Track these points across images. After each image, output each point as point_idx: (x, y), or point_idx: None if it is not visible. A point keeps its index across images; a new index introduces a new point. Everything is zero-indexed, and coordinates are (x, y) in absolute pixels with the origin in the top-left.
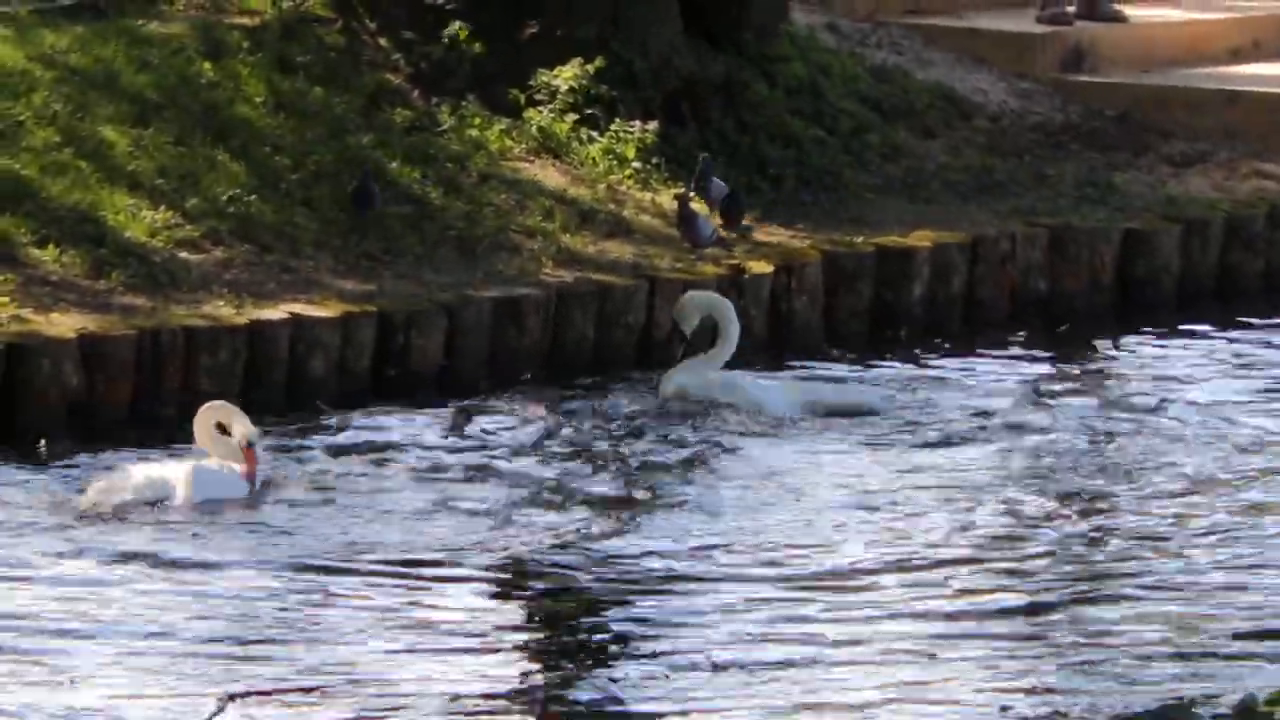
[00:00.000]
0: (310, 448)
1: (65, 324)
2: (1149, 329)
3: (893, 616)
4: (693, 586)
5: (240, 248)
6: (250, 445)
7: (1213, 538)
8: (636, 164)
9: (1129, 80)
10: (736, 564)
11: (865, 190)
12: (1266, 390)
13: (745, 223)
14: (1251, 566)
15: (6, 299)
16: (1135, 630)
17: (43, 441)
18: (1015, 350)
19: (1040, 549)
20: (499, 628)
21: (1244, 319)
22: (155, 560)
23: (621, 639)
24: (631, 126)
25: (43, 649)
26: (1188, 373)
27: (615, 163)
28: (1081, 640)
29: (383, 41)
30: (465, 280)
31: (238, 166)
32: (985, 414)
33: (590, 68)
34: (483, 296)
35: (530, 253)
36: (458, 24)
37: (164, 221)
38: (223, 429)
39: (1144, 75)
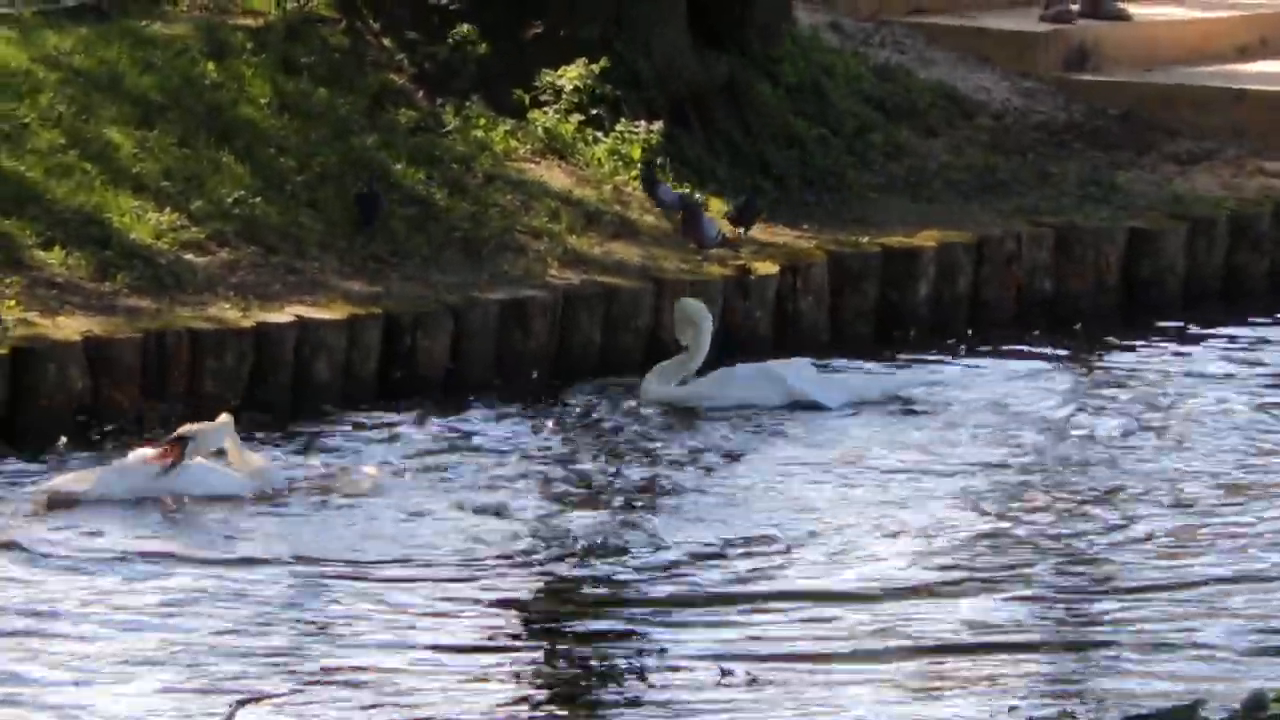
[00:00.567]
0: (317, 449)
1: (71, 327)
2: (1155, 329)
3: (901, 617)
4: (697, 593)
5: (245, 250)
6: (179, 440)
7: (1220, 535)
8: (642, 165)
9: (1133, 79)
10: (740, 569)
11: (869, 190)
12: (1273, 389)
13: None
14: (1259, 564)
15: (12, 302)
16: (1144, 629)
17: (62, 440)
18: (1021, 350)
19: (1048, 548)
20: (502, 634)
21: (1250, 318)
22: (163, 560)
23: (628, 647)
24: (636, 127)
25: (54, 651)
26: (1194, 372)
27: (621, 163)
28: (1089, 639)
29: (387, 42)
30: (471, 282)
31: (242, 168)
32: (992, 414)
33: (595, 68)
34: (489, 298)
35: (536, 254)
36: (464, 25)
37: (169, 223)
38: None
39: (1148, 74)
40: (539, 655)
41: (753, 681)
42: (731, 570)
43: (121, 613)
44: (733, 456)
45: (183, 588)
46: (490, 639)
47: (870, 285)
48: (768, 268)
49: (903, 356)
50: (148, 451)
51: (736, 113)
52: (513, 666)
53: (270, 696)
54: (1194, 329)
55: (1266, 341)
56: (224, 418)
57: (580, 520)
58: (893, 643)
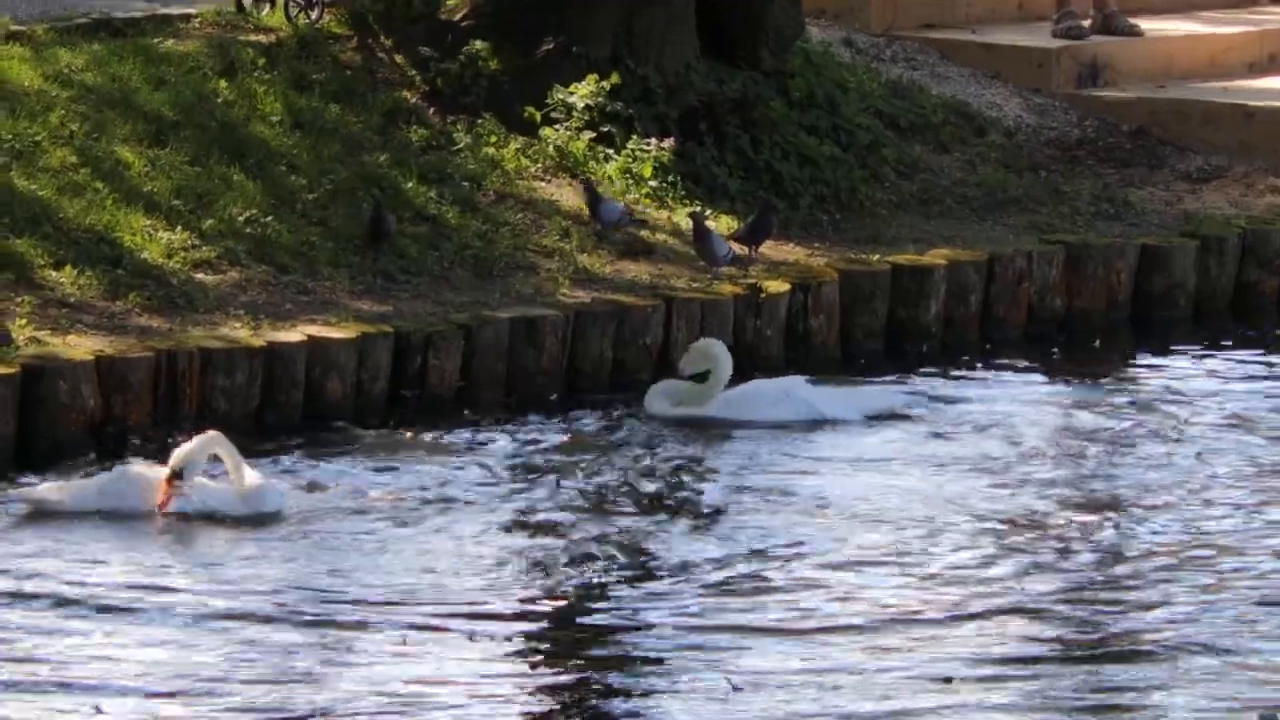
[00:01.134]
0: (321, 469)
1: (82, 346)
2: (1165, 346)
3: (922, 637)
4: (708, 605)
5: (257, 269)
6: (172, 477)
7: (1232, 551)
8: (653, 182)
9: (1145, 95)
10: (755, 584)
11: (880, 207)
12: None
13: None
14: (1272, 582)
15: (24, 321)
16: (1166, 647)
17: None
18: (1032, 368)
19: (1066, 563)
20: (511, 654)
21: (1260, 335)
22: (167, 591)
23: (639, 660)
24: (648, 144)
25: (68, 677)
26: (1205, 390)
27: (632, 181)
28: (1113, 654)
29: (398, 59)
30: (482, 300)
31: (254, 186)
32: (1005, 431)
33: (606, 85)
34: (500, 317)
35: (547, 272)
36: (476, 43)
37: (180, 243)
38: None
39: (1160, 90)
40: (550, 680)
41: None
42: (747, 585)
43: (127, 638)
44: (749, 473)
45: (189, 619)
46: (506, 656)
47: (881, 303)
48: (778, 286)
49: (913, 374)
50: (134, 468)
51: (748, 129)
52: (517, 687)
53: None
54: (1204, 346)
55: (1276, 358)
56: (209, 433)
57: (592, 537)
58: (916, 649)
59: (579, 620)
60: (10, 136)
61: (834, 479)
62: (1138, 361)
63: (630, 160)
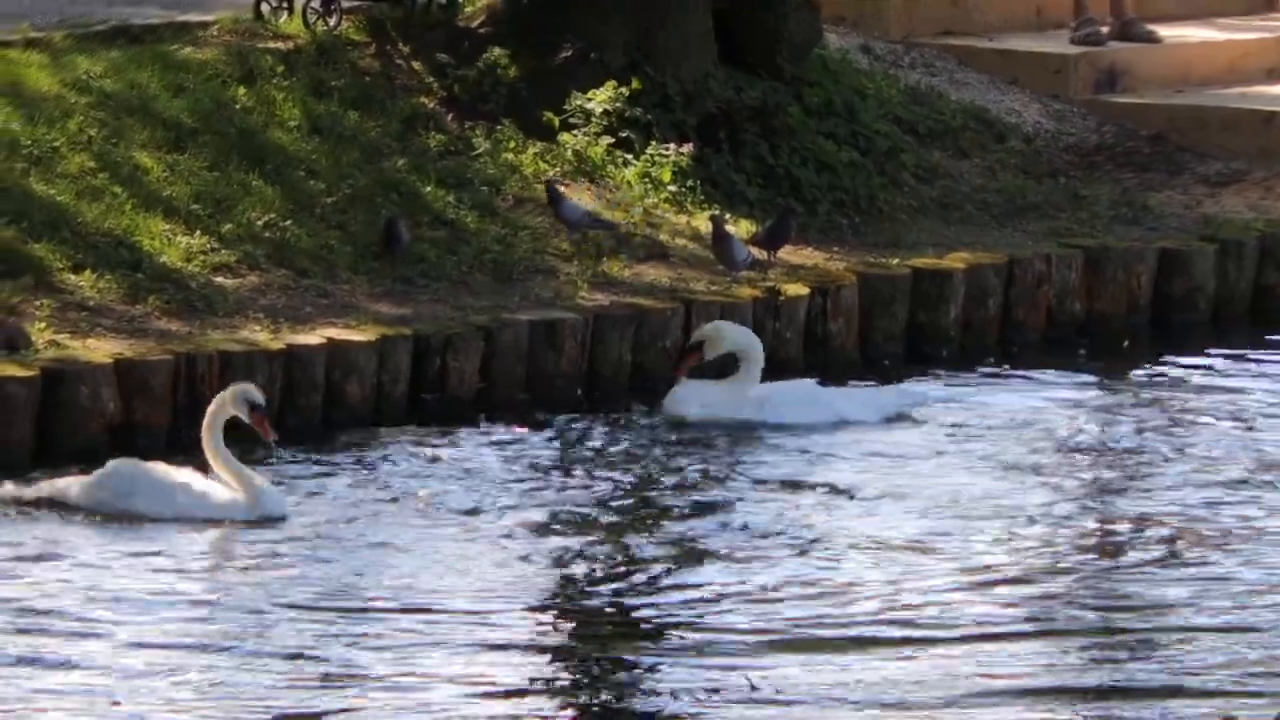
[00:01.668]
0: (343, 470)
1: (102, 349)
2: (1185, 349)
3: (945, 636)
4: (728, 607)
5: (276, 272)
6: (255, 409)
7: (1257, 553)
8: (672, 187)
9: (1163, 101)
10: (776, 584)
11: (900, 212)
12: None
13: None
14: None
15: (43, 324)
16: (1187, 646)
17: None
18: (1050, 371)
19: (1087, 566)
20: (530, 647)
21: (1278, 340)
22: (188, 578)
23: (658, 659)
24: (666, 150)
25: (89, 662)
26: (1224, 392)
27: (650, 186)
28: (1133, 655)
29: (417, 66)
30: (501, 304)
31: (272, 191)
32: (1026, 434)
33: (624, 91)
34: (519, 319)
35: (566, 276)
36: (494, 49)
37: (200, 246)
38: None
39: (1178, 95)
40: (569, 675)
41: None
42: (766, 585)
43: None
44: (768, 474)
45: (208, 606)
46: (526, 658)
47: (900, 307)
48: (798, 289)
49: (932, 377)
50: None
51: (767, 135)
52: (538, 681)
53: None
54: (1223, 349)
55: None
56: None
57: (613, 540)
58: (939, 651)
59: (599, 622)
60: (29, 142)
61: (852, 478)
62: (1157, 364)
63: (649, 165)
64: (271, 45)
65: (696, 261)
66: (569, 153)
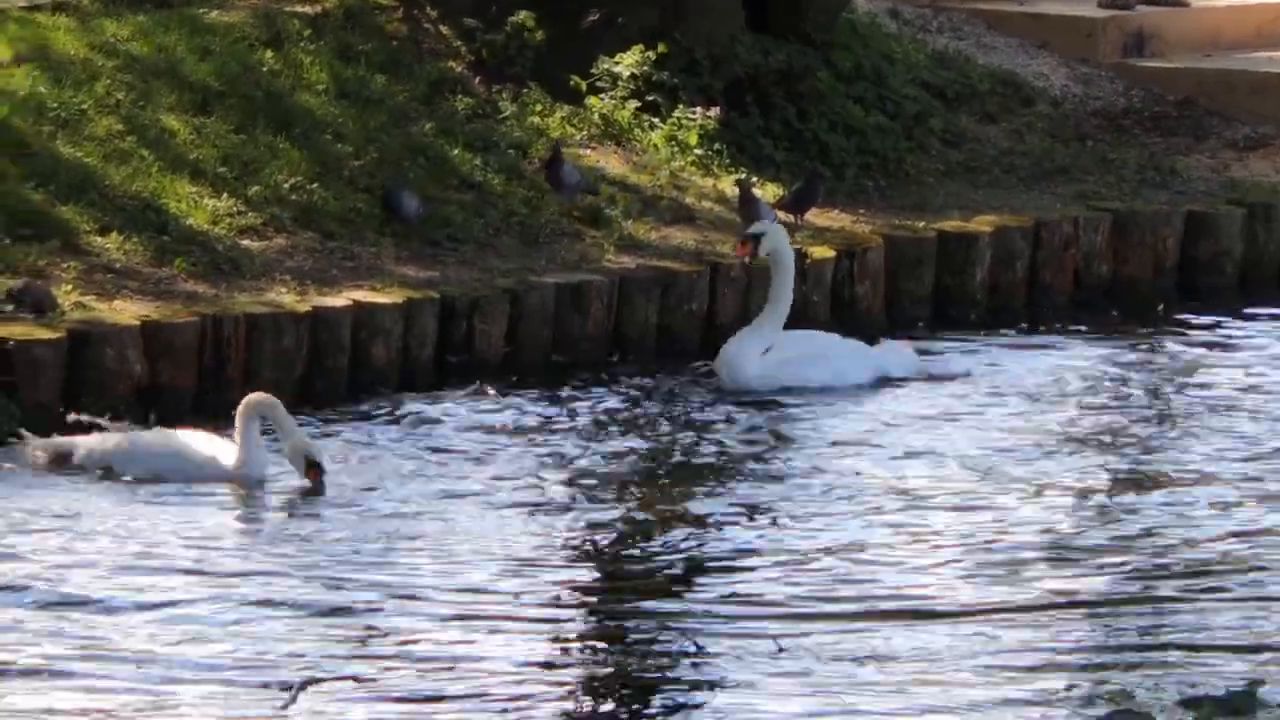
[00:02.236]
0: (373, 433)
1: (129, 311)
2: (1212, 312)
3: (958, 605)
4: (760, 567)
5: (303, 235)
6: (314, 467)
7: (1264, 514)
8: (699, 151)
9: (1191, 65)
10: (801, 547)
11: (927, 176)
12: None
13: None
14: None
15: (70, 286)
16: (1206, 617)
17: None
18: (1078, 333)
19: (1108, 533)
20: (557, 603)
21: None
22: (217, 550)
23: (687, 620)
24: (693, 113)
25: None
26: (1252, 355)
27: (677, 149)
28: (1149, 626)
29: (444, 29)
30: (528, 266)
31: (299, 154)
32: (1051, 398)
33: (651, 55)
34: (546, 282)
35: (593, 239)
36: (522, 12)
37: (226, 209)
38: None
39: (1206, 59)
40: (593, 635)
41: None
42: (794, 547)
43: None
44: (798, 443)
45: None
46: (552, 618)
47: (927, 270)
48: (824, 252)
49: (958, 340)
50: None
51: (794, 99)
52: (566, 640)
53: (332, 679)
54: (1252, 312)
55: None
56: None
57: (644, 500)
58: (949, 622)
59: (620, 583)
60: (56, 105)
61: (885, 447)
62: (1185, 328)
63: (676, 129)
64: (299, 9)
65: (723, 224)
66: (596, 116)
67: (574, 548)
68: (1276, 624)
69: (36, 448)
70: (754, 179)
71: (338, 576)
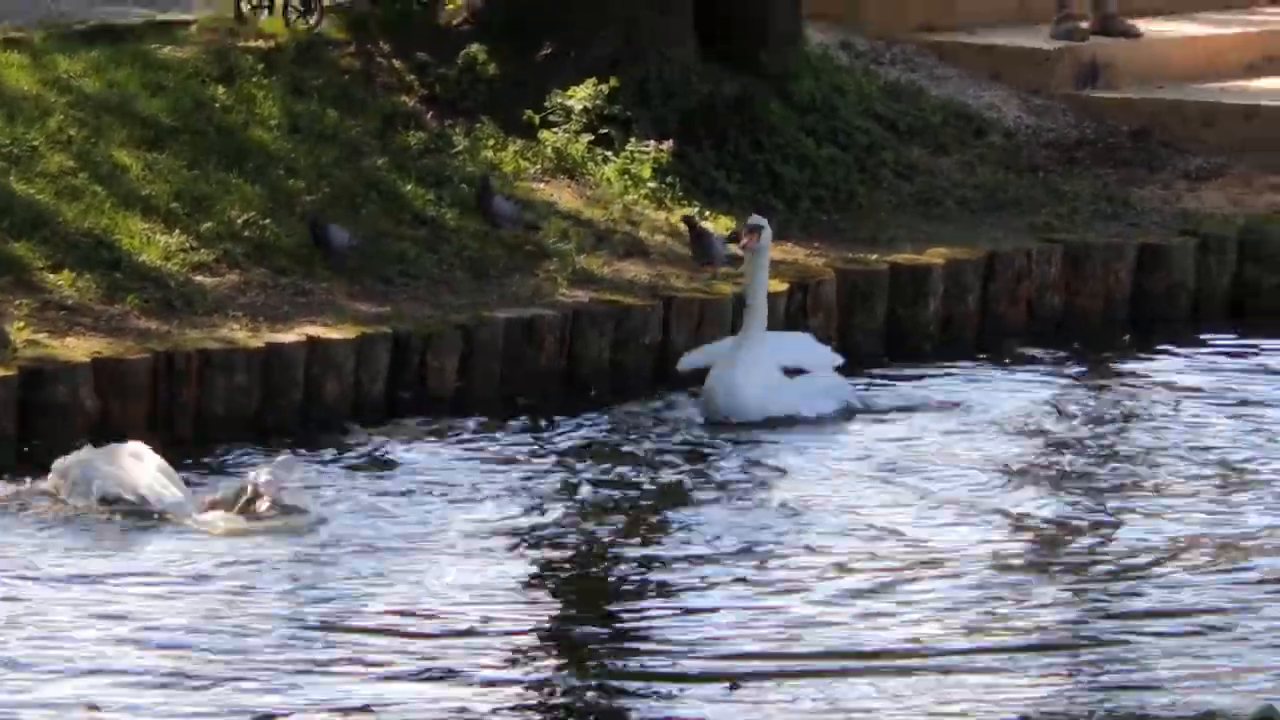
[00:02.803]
0: (326, 470)
1: (81, 348)
2: (1165, 344)
3: (910, 623)
4: (709, 600)
5: (255, 271)
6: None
7: (1229, 549)
8: (652, 184)
9: (1144, 95)
10: (752, 575)
11: (879, 208)
12: (1273, 407)
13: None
14: (1265, 579)
15: (22, 323)
16: (1156, 639)
17: None
18: (1032, 366)
19: (1059, 556)
20: (507, 636)
21: (1259, 333)
22: (169, 579)
23: (637, 653)
24: (646, 146)
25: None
26: (1203, 387)
27: (630, 183)
28: (1101, 650)
29: (396, 64)
30: (480, 301)
31: (252, 190)
32: (1003, 427)
33: (604, 88)
34: (498, 317)
35: (546, 273)
36: (475, 46)
37: (179, 245)
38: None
39: (1159, 90)
40: (548, 666)
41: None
42: (745, 576)
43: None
44: (744, 473)
45: (192, 605)
46: (500, 650)
47: (879, 303)
48: (777, 285)
49: (912, 373)
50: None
51: (747, 131)
52: (517, 675)
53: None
54: (1203, 344)
55: (1273, 357)
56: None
57: (596, 530)
58: (900, 649)
59: (573, 615)
60: (8, 142)
61: (837, 479)
62: (1138, 360)
63: (629, 162)
64: (251, 44)
65: (676, 258)
66: (549, 150)
67: (525, 582)
68: (1234, 659)
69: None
70: (705, 213)
71: (284, 607)
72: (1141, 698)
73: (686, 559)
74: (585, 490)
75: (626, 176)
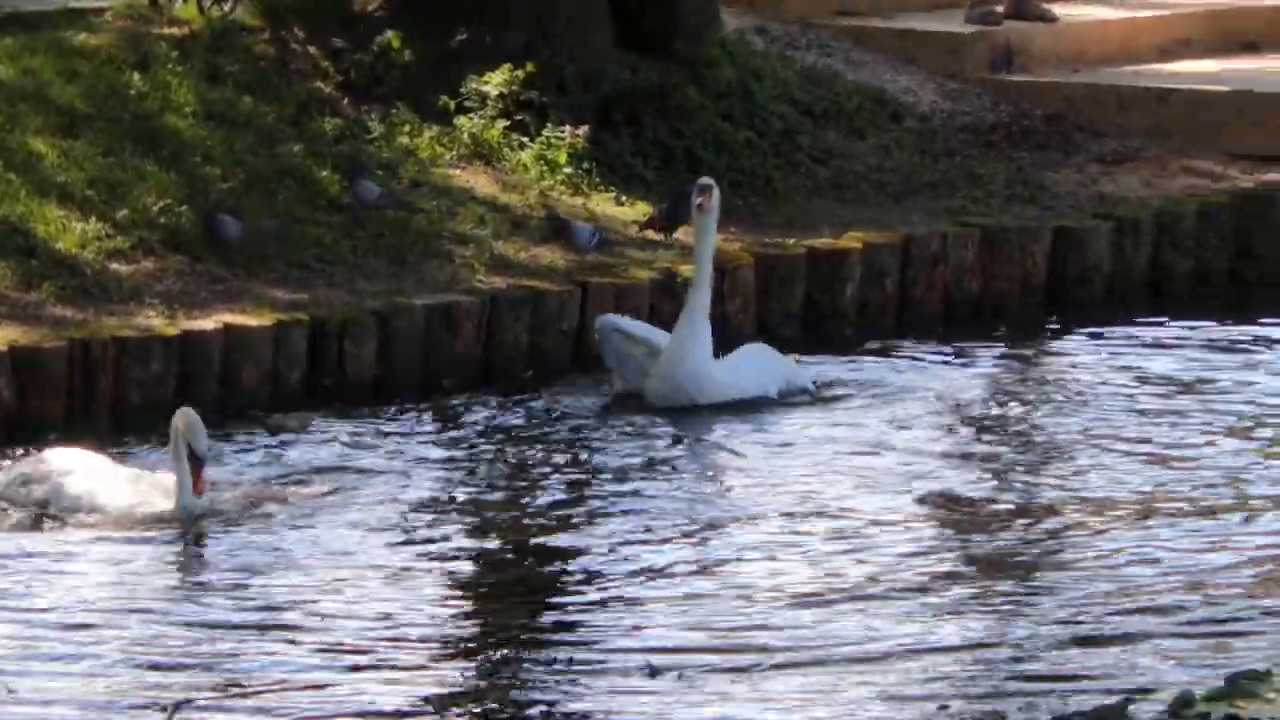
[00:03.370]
0: (243, 457)
1: None
2: (1080, 327)
3: (835, 616)
4: (631, 588)
5: (171, 258)
6: (200, 463)
7: (1145, 532)
8: (568, 170)
9: (1059, 79)
10: (676, 562)
11: (796, 193)
12: (1190, 388)
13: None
14: (1185, 563)
15: None
16: (1075, 627)
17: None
18: (948, 349)
19: (978, 546)
20: (435, 629)
21: (1174, 316)
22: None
23: (557, 643)
24: (562, 133)
25: None
26: (1119, 369)
27: (547, 169)
28: (1021, 638)
29: (312, 50)
30: (397, 288)
31: (168, 177)
32: (920, 412)
33: (520, 74)
34: (415, 304)
35: (463, 260)
36: (389, 32)
37: (94, 233)
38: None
39: (1074, 74)
40: (474, 658)
41: (679, 678)
42: (669, 563)
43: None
44: (666, 455)
45: (115, 594)
46: (427, 638)
47: (797, 287)
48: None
49: (829, 357)
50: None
51: (663, 117)
52: (444, 669)
53: (211, 694)
54: (1119, 327)
55: (1188, 339)
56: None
57: (520, 520)
58: (823, 641)
59: (492, 600)
60: None
61: (760, 462)
62: (1054, 342)
63: (545, 148)
64: (166, 31)
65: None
66: (465, 136)
67: (446, 571)
68: (1158, 654)
69: None
70: (622, 197)
71: (212, 600)
72: (1057, 686)
73: (610, 546)
74: (507, 476)
75: (543, 162)
